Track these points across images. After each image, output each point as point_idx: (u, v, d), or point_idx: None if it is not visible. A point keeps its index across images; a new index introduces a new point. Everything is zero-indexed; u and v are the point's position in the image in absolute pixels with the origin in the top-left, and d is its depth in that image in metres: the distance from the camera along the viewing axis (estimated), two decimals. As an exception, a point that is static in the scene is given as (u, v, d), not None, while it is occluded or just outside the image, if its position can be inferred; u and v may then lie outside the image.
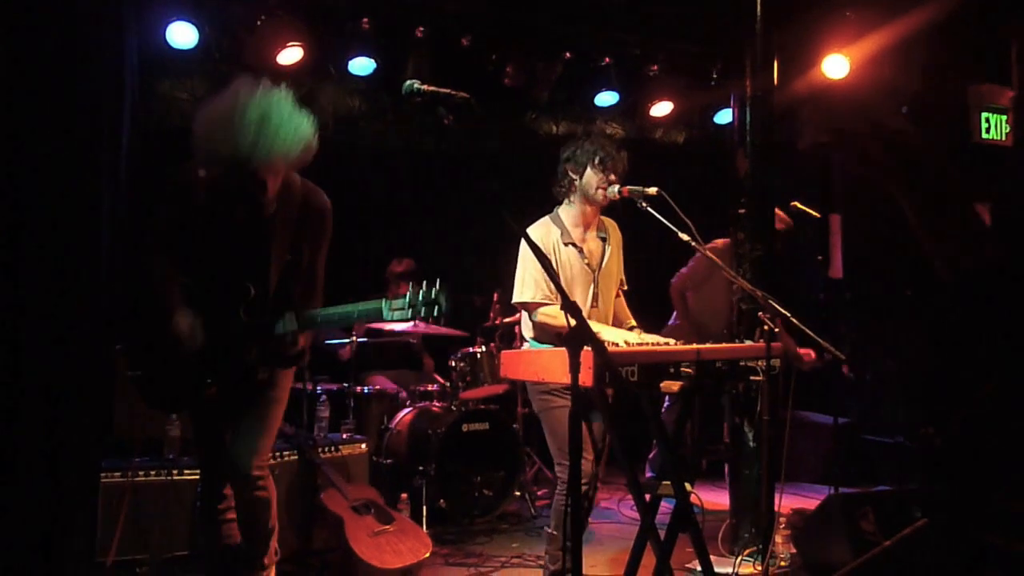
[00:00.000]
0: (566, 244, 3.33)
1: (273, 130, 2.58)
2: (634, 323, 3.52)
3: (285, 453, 4.14)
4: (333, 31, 5.16)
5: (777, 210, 4.59)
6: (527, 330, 3.40)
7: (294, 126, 2.63)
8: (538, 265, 2.66)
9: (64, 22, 3.10)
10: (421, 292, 2.46)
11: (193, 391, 2.86)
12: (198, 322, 2.79)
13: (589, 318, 3.29)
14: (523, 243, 3.23)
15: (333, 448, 4.36)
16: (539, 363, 2.93)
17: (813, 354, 4.81)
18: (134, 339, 2.99)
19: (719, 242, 4.61)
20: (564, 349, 2.19)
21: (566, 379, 2.08)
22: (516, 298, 3.30)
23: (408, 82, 2.33)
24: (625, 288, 3.60)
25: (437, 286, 2.46)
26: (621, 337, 3.02)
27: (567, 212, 3.42)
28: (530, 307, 3.28)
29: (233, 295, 2.78)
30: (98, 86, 3.27)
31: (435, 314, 2.47)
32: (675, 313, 5.20)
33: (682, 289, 5.07)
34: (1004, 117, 5.52)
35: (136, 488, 3.79)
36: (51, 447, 3.01)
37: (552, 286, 3.18)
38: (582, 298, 3.34)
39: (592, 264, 3.37)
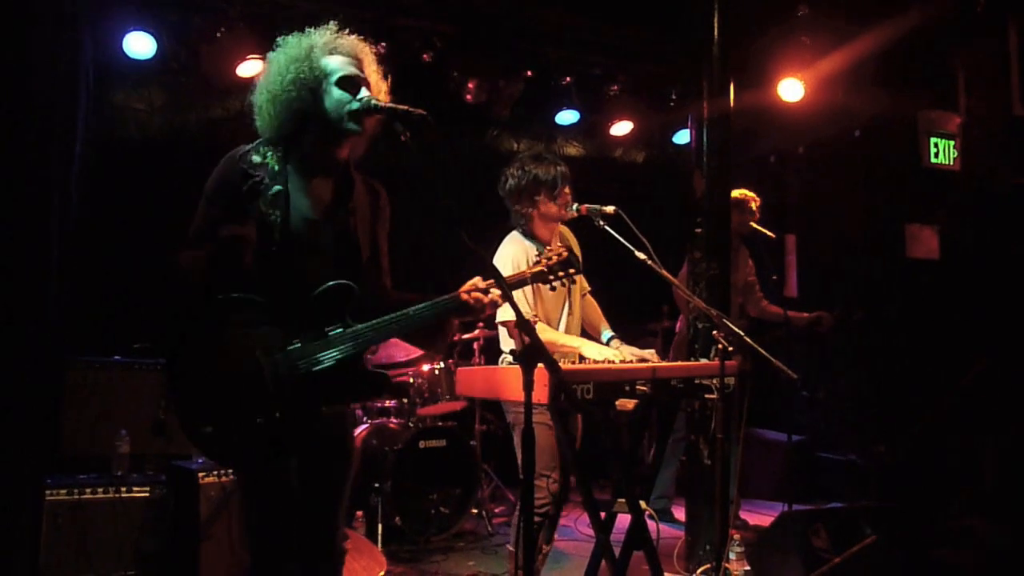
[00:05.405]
0: None
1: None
2: (611, 331, 3.50)
3: (238, 470, 4.08)
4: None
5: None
6: (506, 345, 3.40)
7: None
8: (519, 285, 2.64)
9: (16, 28, 3.05)
10: None
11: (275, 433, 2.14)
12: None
13: (567, 328, 3.35)
14: (504, 260, 3.26)
15: (287, 465, 4.29)
16: (494, 380, 2.93)
17: (825, 315, 4.98)
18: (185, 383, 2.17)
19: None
20: (518, 367, 2.19)
21: (519, 396, 2.09)
22: (499, 318, 3.28)
23: (365, 97, 2.31)
24: (589, 290, 3.62)
25: None
26: (603, 354, 3.03)
27: (532, 229, 3.42)
28: (511, 326, 3.28)
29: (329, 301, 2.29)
30: (50, 94, 3.22)
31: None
32: (680, 320, 5.18)
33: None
34: (952, 143, 5.69)
35: (82, 505, 3.70)
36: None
37: (530, 304, 3.23)
38: (558, 311, 3.37)
39: None
